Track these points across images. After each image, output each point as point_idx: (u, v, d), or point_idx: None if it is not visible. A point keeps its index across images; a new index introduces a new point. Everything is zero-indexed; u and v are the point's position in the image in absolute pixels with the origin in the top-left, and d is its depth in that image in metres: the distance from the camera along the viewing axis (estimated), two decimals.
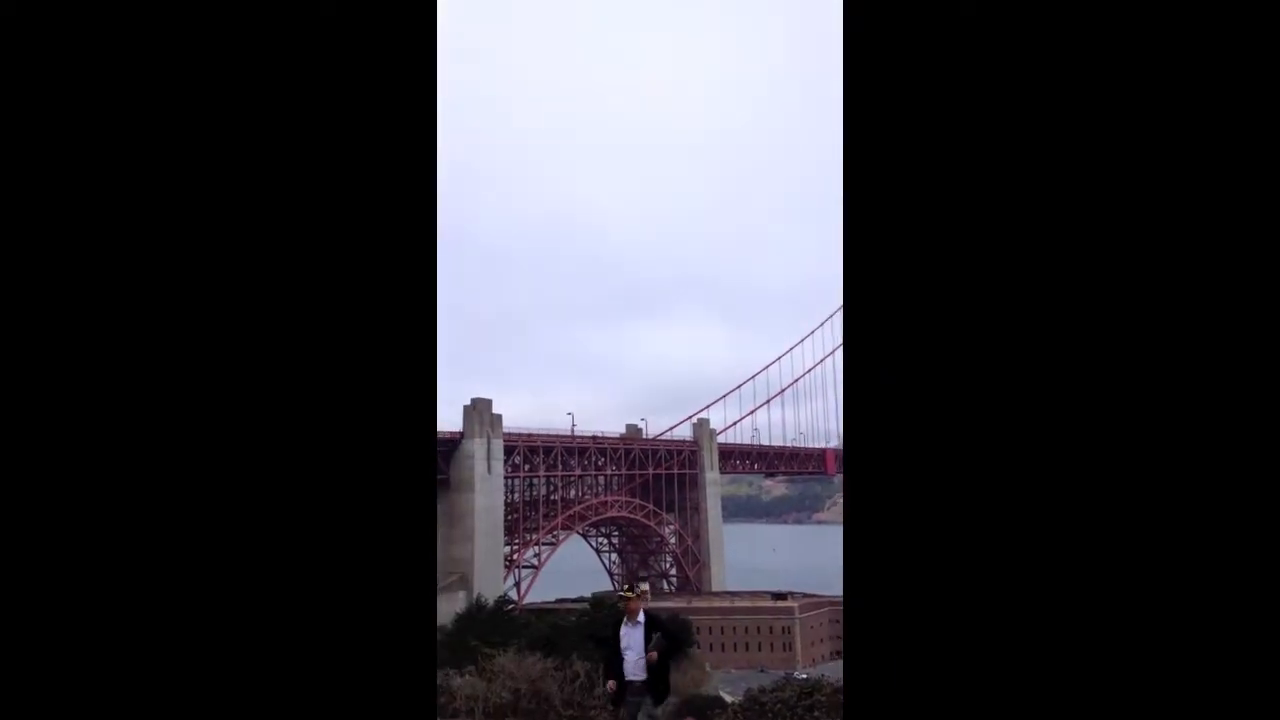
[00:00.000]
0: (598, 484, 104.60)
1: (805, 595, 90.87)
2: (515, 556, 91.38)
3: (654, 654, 7.47)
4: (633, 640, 7.65)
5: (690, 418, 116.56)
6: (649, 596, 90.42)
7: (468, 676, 12.57)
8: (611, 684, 7.77)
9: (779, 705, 13.99)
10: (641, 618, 7.71)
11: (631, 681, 7.59)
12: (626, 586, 8.33)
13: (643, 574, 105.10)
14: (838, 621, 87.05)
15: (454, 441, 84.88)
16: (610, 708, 7.89)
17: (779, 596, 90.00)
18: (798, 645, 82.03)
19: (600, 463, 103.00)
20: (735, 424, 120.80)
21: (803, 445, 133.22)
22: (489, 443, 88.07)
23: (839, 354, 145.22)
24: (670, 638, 7.73)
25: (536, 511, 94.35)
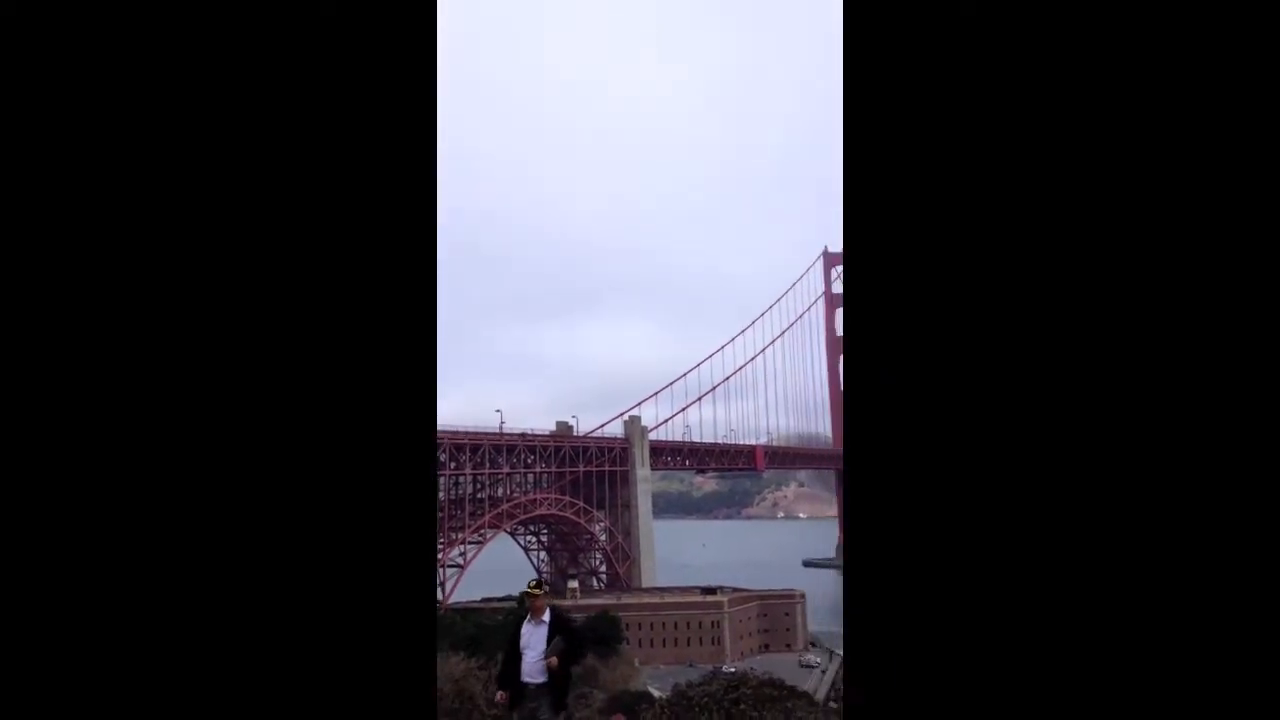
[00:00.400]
0: (526, 481, 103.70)
1: (735, 590, 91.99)
2: (440, 556, 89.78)
3: (553, 659, 6.95)
4: (534, 640, 7.11)
5: (622, 415, 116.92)
6: (579, 594, 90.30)
7: None
8: (501, 695, 7.25)
9: (706, 699, 13.95)
10: (547, 616, 7.20)
11: (528, 684, 7.02)
12: (534, 582, 7.70)
13: (572, 571, 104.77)
14: (766, 615, 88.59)
15: None
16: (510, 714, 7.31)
17: (708, 591, 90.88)
18: (726, 639, 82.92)
19: (529, 460, 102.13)
20: (667, 421, 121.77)
21: (734, 442, 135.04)
22: None
23: (769, 352, 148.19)
24: (572, 641, 7.20)
25: (462, 510, 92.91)
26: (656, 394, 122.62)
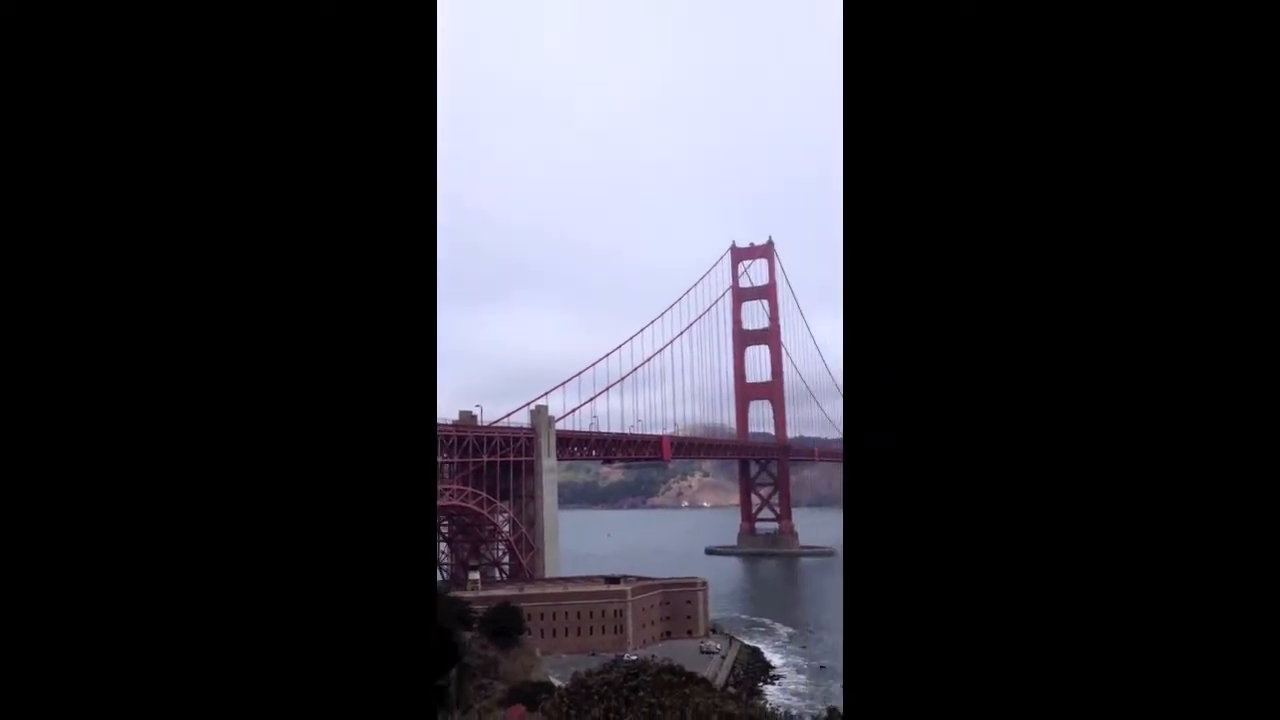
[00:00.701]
0: None
1: (638, 579, 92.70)
2: None
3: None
4: None
5: (529, 404, 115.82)
6: (480, 585, 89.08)
7: None
8: None
9: (605, 687, 13.99)
10: None
11: None
12: None
13: (473, 563, 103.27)
14: (669, 603, 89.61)
15: None
16: None
17: (612, 580, 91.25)
18: (629, 628, 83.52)
19: None
20: (574, 411, 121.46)
21: (641, 432, 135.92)
22: None
23: (677, 344, 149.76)
24: (443, 645, 7.07)
25: None
26: (564, 384, 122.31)
